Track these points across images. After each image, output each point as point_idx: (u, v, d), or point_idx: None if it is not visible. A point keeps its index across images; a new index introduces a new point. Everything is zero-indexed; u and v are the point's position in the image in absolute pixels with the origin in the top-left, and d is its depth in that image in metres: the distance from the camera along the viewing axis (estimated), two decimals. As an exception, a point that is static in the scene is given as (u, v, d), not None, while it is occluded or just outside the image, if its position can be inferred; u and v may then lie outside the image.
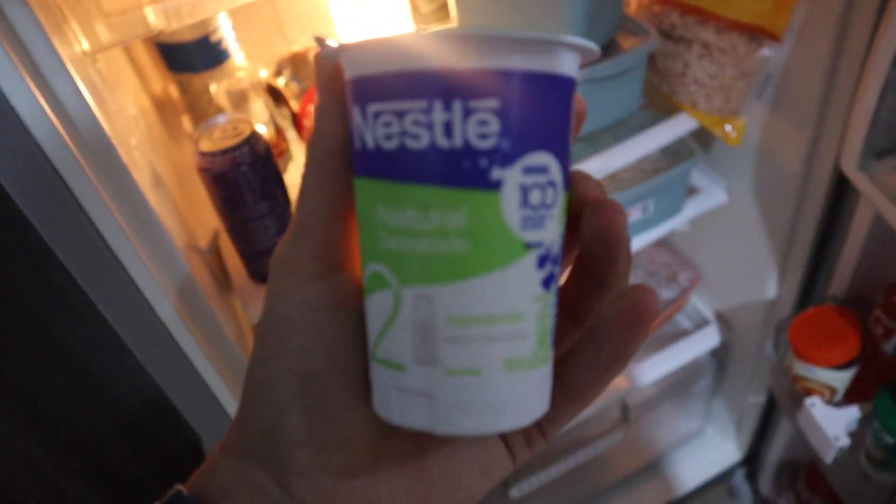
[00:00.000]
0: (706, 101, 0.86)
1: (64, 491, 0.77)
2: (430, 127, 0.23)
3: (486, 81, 0.22)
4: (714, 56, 0.83)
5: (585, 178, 0.28)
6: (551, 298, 0.26)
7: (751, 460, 1.33)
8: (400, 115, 0.23)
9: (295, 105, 0.88)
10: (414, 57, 0.22)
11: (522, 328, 0.25)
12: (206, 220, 0.85)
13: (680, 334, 1.18)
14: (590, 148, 0.89)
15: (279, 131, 0.90)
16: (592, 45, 0.25)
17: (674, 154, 0.95)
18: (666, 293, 1.14)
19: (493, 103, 0.23)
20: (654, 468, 1.36)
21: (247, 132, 0.69)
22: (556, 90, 0.24)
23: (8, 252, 0.54)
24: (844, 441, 0.86)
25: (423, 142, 0.23)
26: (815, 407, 0.88)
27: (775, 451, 1.24)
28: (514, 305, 0.24)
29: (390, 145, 0.23)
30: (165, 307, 0.57)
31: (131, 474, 0.81)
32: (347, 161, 0.26)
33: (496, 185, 0.23)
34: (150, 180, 0.62)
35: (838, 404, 0.89)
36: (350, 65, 0.24)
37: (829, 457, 0.87)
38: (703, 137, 0.99)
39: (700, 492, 1.34)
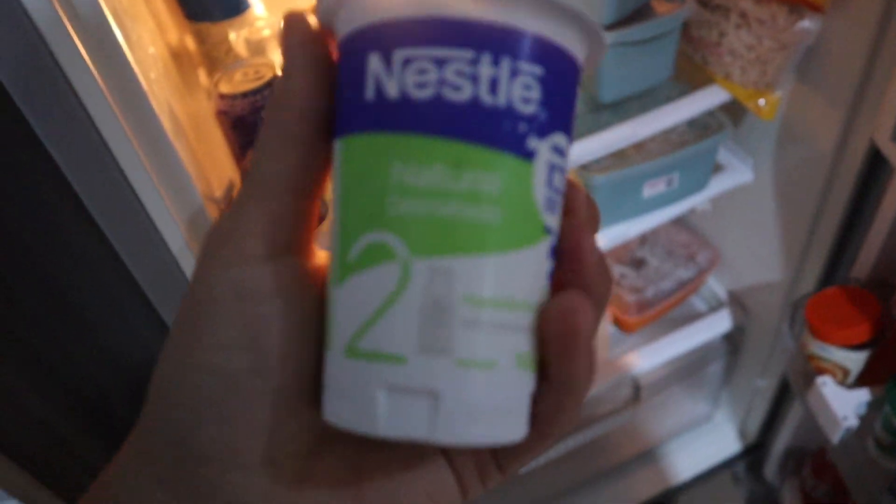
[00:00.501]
0: (741, 73, 0.84)
1: (70, 445, 0.76)
2: (474, 80, 0.21)
3: (536, 48, 0.22)
4: (752, 26, 0.80)
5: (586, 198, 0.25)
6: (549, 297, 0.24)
7: (757, 447, 1.31)
8: (440, 63, 0.21)
9: (316, 58, 0.86)
10: (465, 4, 0.21)
11: (531, 321, 0.23)
12: (221, 171, 0.83)
13: (694, 316, 1.16)
14: (615, 116, 0.86)
15: (298, 85, 0.88)
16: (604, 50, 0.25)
17: (702, 127, 0.93)
18: (683, 273, 1.12)
19: (539, 70, 0.22)
20: (660, 451, 1.34)
21: (268, 76, 0.67)
22: (576, 80, 0.24)
23: (21, 185, 0.52)
24: (852, 422, 0.85)
25: (464, 94, 0.21)
26: (826, 386, 0.86)
27: (783, 437, 1.22)
28: (530, 292, 0.22)
29: (423, 94, 0.21)
30: (178, 243, 0.55)
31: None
32: (315, 129, 0.24)
33: (531, 155, 0.22)
34: (168, 117, 0.60)
35: (850, 386, 0.87)
36: (370, 8, 0.22)
37: (835, 437, 0.86)
38: (729, 112, 0.97)
39: (705, 477, 1.32)
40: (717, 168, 0.98)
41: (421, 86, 0.21)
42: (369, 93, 0.22)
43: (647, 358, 1.09)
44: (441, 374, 0.21)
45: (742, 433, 1.34)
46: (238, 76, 0.67)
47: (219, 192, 0.77)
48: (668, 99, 0.87)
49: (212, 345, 0.22)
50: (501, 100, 0.21)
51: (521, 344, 0.22)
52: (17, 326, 0.61)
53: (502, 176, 0.21)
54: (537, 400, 0.24)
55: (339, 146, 0.23)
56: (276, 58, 0.87)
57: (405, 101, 0.21)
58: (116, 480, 0.24)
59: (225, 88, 0.65)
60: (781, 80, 0.83)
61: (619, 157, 0.90)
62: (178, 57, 0.94)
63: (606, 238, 0.92)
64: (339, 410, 0.22)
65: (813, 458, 1.15)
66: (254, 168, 0.23)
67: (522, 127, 0.22)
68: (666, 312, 1.15)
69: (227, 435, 0.22)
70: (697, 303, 1.21)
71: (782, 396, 1.18)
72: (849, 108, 0.81)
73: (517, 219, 0.22)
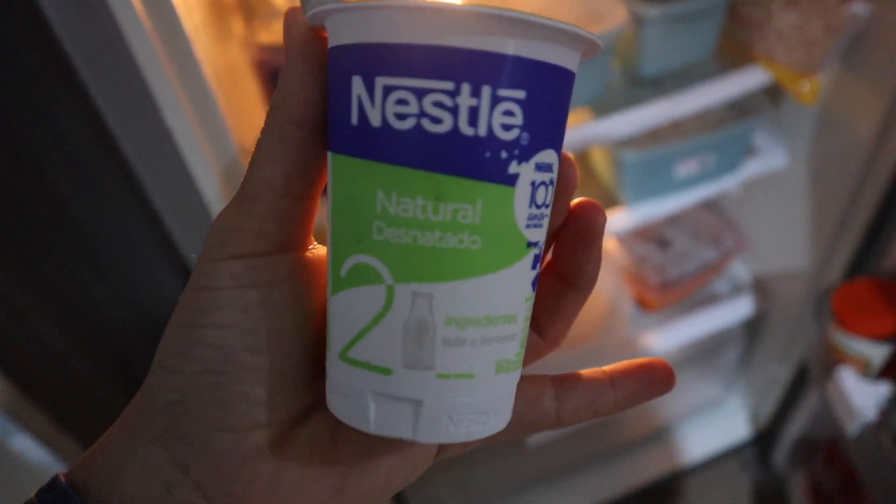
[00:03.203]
0: (785, 54, 0.82)
1: (85, 383, 0.76)
2: (454, 112, 0.21)
3: (519, 71, 0.21)
4: (801, 6, 0.78)
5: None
6: (534, 300, 0.25)
7: (767, 436, 1.31)
8: (420, 93, 0.21)
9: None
10: (446, 31, 0.20)
11: (513, 330, 0.24)
12: (252, 121, 0.82)
13: (716, 298, 1.15)
14: (652, 92, 0.85)
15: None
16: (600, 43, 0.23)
17: (739, 109, 0.91)
18: (708, 255, 1.11)
19: (521, 94, 0.21)
20: (669, 434, 1.34)
21: (308, 28, 0.65)
22: (568, 87, 0.23)
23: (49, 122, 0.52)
24: (870, 415, 0.84)
25: (444, 126, 0.21)
26: (847, 377, 0.86)
27: (794, 427, 1.22)
28: (511, 307, 0.23)
29: (403, 125, 0.21)
30: (212, 192, 0.55)
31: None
32: (314, 133, 0.24)
33: (512, 180, 0.22)
34: (209, 63, 0.59)
35: (871, 379, 0.87)
36: (352, 27, 0.22)
37: (852, 429, 0.86)
38: (767, 95, 0.95)
39: (712, 463, 1.32)
40: (750, 151, 0.96)
41: (401, 117, 0.21)
42: (354, 117, 0.22)
43: (666, 338, 1.08)
44: (423, 386, 0.23)
45: (753, 420, 1.33)
46: (277, 26, 0.66)
47: (249, 143, 0.77)
48: (708, 76, 0.85)
49: (212, 324, 0.24)
50: (482, 130, 0.21)
51: (501, 352, 0.24)
52: (43, 262, 0.61)
53: (483, 205, 0.22)
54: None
55: (330, 159, 0.23)
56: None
57: (386, 130, 0.21)
58: (115, 440, 0.25)
59: (264, 38, 0.64)
60: (826, 64, 0.81)
61: (653, 135, 0.88)
62: (214, 5, 0.93)
63: (637, 217, 0.91)
64: (338, 405, 0.24)
65: (825, 449, 1.14)
66: (252, 169, 0.24)
67: (504, 154, 0.21)
68: (688, 294, 1.14)
69: (220, 399, 0.24)
70: (720, 285, 1.20)
71: (798, 385, 1.17)
72: (893, 96, 0.79)
73: (498, 242, 0.22)
